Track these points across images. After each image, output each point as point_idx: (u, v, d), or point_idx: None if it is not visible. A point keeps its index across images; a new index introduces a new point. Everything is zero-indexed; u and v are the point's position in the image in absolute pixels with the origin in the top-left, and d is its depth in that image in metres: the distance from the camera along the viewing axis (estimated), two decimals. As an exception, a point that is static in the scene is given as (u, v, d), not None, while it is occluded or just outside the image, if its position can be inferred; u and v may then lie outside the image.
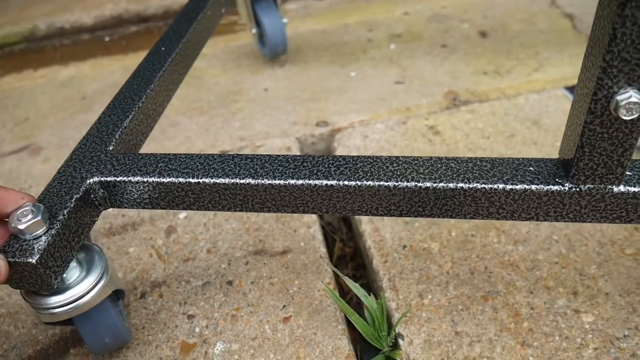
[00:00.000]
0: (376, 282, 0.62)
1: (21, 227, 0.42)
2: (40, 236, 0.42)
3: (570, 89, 0.86)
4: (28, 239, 0.42)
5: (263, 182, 0.45)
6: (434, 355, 0.53)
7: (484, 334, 0.54)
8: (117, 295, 0.53)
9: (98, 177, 0.48)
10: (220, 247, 0.66)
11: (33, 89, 1.08)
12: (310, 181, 0.44)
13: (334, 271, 0.62)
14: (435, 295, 0.58)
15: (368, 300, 0.55)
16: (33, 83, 1.11)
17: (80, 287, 0.47)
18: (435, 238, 0.65)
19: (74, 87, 1.07)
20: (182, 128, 0.89)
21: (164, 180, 0.47)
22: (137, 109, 0.56)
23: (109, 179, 0.48)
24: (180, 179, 0.46)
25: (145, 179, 0.47)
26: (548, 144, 0.76)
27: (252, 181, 0.45)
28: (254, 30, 0.99)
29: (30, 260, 0.41)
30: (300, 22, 1.15)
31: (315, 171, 0.45)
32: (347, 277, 0.55)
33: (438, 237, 0.65)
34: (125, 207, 0.50)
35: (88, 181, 0.47)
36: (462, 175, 0.43)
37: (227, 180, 0.46)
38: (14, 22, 1.25)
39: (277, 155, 0.47)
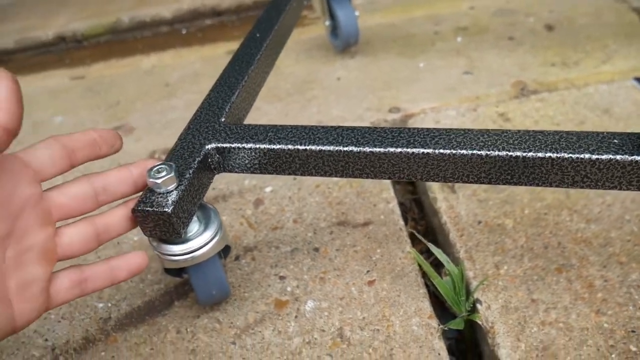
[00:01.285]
0: (452, 255, 0.67)
1: (158, 181, 0.48)
2: (172, 190, 0.49)
3: (641, 79, 0.88)
4: (162, 192, 0.49)
5: (364, 149, 0.50)
6: (512, 319, 0.57)
7: (559, 302, 0.58)
8: (222, 252, 0.59)
9: (214, 144, 0.54)
10: (306, 218, 0.72)
11: (120, 77, 1.17)
12: (408, 149, 0.49)
13: (415, 239, 0.67)
14: (510, 266, 0.62)
15: (450, 265, 0.59)
16: (119, 71, 1.20)
17: (200, 239, 0.53)
18: (508, 215, 0.68)
19: (157, 75, 1.15)
20: (263, 112, 0.95)
21: (274, 147, 0.52)
22: (241, 86, 0.62)
23: (224, 145, 0.54)
24: (289, 146, 0.52)
25: (257, 146, 0.53)
26: (619, 131, 0.78)
27: (355, 149, 0.50)
28: (327, 23, 1.05)
29: (166, 210, 0.47)
30: (368, 16, 1.20)
31: (412, 140, 0.50)
32: (430, 244, 0.60)
33: (511, 214, 0.68)
34: (235, 172, 0.56)
35: (206, 147, 0.54)
36: (550, 146, 0.47)
37: (331, 148, 0.51)
38: (99, 15, 1.35)
39: (375, 127, 0.52)
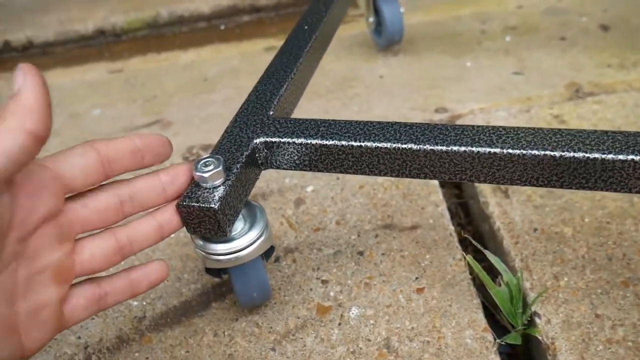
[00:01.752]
0: (507, 264, 0.62)
1: (205, 175, 0.45)
2: (219, 186, 0.46)
3: None
4: (209, 187, 0.46)
5: (425, 147, 0.47)
6: (574, 336, 0.53)
7: (627, 318, 0.53)
8: (266, 253, 0.56)
9: (263, 138, 0.51)
10: (349, 219, 0.69)
11: (158, 71, 1.16)
12: (473, 148, 0.46)
13: (465, 246, 0.63)
14: (571, 278, 0.58)
15: (508, 275, 0.55)
16: (157, 65, 1.18)
17: (245, 239, 0.50)
18: (567, 223, 0.64)
19: (195, 69, 1.14)
20: (303, 109, 0.92)
21: (326, 142, 0.49)
22: (290, 79, 0.59)
23: (273, 139, 0.51)
24: (343, 142, 0.49)
25: (308, 141, 0.50)
26: (685, 138, 0.73)
27: (414, 146, 0.47)
28: (370, 19, 1.01)
29: (212, 205, 0.45)
30: (411, 14, 1.16)
31: (477, 139, 0.46)
32: (487, 251, 0.56)
33: (570, 222, 0.64)
34: (284, 168, 0.53)
35: (254, 141, 0.51)
36: (632, 148, 0.43)
37: (388, 145, 0.48)
38: (137, 9, 1.34)
39: (435, 124, 0.49)
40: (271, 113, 0.55)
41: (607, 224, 0.63)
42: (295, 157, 0.51)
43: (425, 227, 0.66)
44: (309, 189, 0.74)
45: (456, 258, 0.62)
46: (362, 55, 1.06)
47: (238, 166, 0.48)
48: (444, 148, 0.46)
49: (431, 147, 0.47)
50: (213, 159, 0.46)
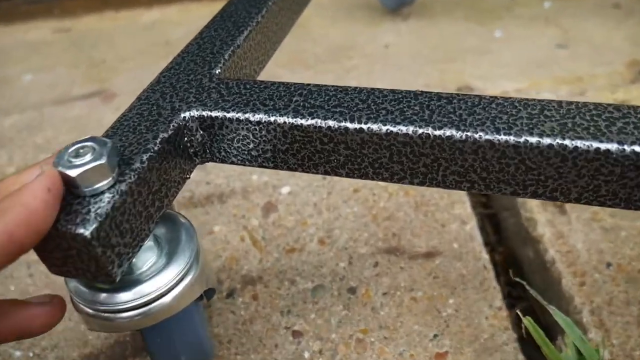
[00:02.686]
0: (569, 314, 0.42)
1: (72, 173, 0.25)
2: (103, 192, 0.25)
3: None
4: (83, 194, 0.25)
5: (477, 136, 0.26)
6: None
7: None
8: (205, 294, 0.36)
9: (198, 111, 0.30)
10: (338, 237, 0.48)
11: (112, 31, 0.94)
12: (566, 141, 0.25)
13: (523, 289, 0.43)
14: (672, 346, 0.38)
15: (586, 348, 0.35)
16: (113, 24, 0.96)
17: (157, 281, 0.29)
18: (654, 257, 0.44)
19: (156, 31, 0.92)
20: (284, 82, 0.71)
21: (305, 122, 0.29)
22: (254, 24, 0.38)
23: (214, 113, 0.30)
24: (332, 122, 0.28)
25: (273, 119, 0.29)
26: None
27: (459, 134, 0.26)
28: (376, -27, 0.80)
29: (81, 231, 0.24)
30: (424, -27, 0.95)
31: (571, 125, 0.26)
32: (555, 310, 0.35)
33: (659, 256, 0.44)
34: (232, 162, 0.32)
35: (182, 115, 0.30)
36: None
37: (412, 130, 0.27)
38: (95, -41, 1.11)
39: (492, 97, 0.28)
40: (217, 72, 0.34)
41: None
42: (251, 145, 0.31)
43: (447, 255, 0.46)
44: (285, 190, 0.54)
45: (494, 306, 0.42)
46: (363, 18, 0.84)
47: (145, 158, 0.27)
48: (510, 139, 0.26)
49: (490, 137, 0.26)
50: (94, 145, 0.26)
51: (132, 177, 0.26)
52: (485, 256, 0.45)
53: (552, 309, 0.35)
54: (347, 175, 0.31)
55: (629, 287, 0.42)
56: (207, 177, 0.57)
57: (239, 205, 0.53)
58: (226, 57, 0.35)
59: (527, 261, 0.49)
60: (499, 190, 0.28)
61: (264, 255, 0.48)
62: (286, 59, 0.76)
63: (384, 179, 0.30)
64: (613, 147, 0.25)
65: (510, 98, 0.28)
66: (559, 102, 0.28)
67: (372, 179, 0.30)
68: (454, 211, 0.49)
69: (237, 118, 0.30)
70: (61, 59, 0.89)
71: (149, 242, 0.30)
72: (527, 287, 0.35)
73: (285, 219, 0.51)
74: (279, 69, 0.74)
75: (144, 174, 0.27)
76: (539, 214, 0.49)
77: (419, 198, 0.51)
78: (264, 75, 0.74)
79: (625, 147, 0.25)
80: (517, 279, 0.37)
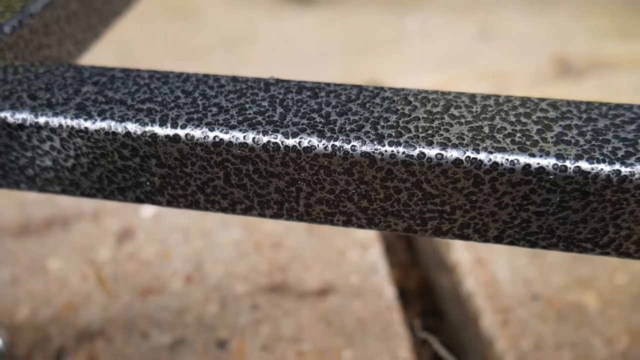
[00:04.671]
0: (490, 362, 0.34)
1: None
2: None
3: None
4: None
5: (349, 147, 0.17)
6: None
7: None
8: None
9: None
10: (209, 273, 0.38)
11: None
12: (481, 155, 0.16)
13: (422, 340, 0.34)
14: (614, 402, 0.30)
15: None
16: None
17: None
18: (588, 285, 0.37)
19: None
20: (163, 76, 0.60)
21: (92, 125, 0.18)
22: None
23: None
24: (132, 126, 0.18)
25: (44, 120, 0.19)
26: None
27: (321, 144, 0.17)
28: (276, -47, 0.70)
29: None
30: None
31: (488, 130, 0.17)
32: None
33: (593, 284, 0.37)
34: (1, 186, 0.21)
35: None
36: None
37: (253, 138, 0.17)
38: None
39: (377, 89, 0.19)
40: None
41: (655, 286, 0.36)
42: (22, 161, 0.20)
43: (343, 292, 0.36)
44: (147, 211, 0.42)
45: (399, 357, 0.33)
46: (264, 5, 0.74)
47: None
48: (397, 151, 0.16)
49: (366, 149, 0.17)
50: None
51: None
52: (390, 293, 0.36)
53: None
54: (170, 205, 0.20)
55: (559, 326, 0.34)
56: (50, 195, 0.44)
57: (88, 233, 0.41)
58: (6, 30, 0.24)
59: (442, 293, 0.41)
60: (388, 227, 0.19)
61: (112, 300, 0.36)
62: (172, 50, 0.65)
63: (223, 210, 0.20)
64: (549, 163, 0.16)
65: (403, 90, 0.19)
66: (472, 96, 0.19)
67: (206, 209, 0.20)
68: (354, 235, 0.40)
69: (7, 120, 0.19)
70: None
71: None
72: (437, 347, 0.26)
73: (145, 249, 0.39)
74: (161, 60, 0.63)
75: None
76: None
77: (314, 217, 0.41)
78: (145, 68, 0.62)
79: (567, 163, 0.16)
80: (424, 335, 0.28)
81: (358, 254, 0.38)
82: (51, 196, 0.44)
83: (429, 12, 0.72)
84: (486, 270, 0.38)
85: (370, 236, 0.40)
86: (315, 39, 0.67)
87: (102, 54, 0.57)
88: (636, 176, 0.16)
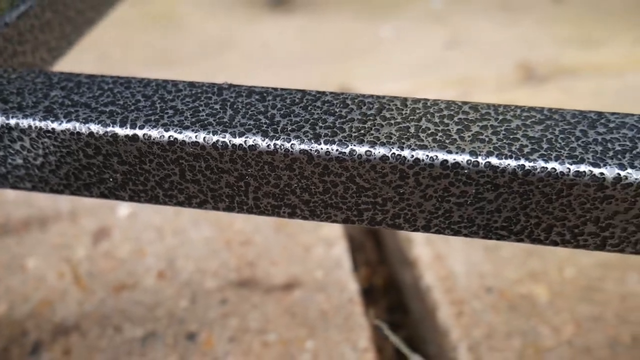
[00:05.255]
0: (442, 349, 0.36)
1: None
2: None
3: None
4: None
5: (290, 145, 0.19)
6: None
7: None
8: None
9: None
10: (181, 269, 0.39)
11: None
12: (405, 152, 0.18)
13: (379, 330, 0.36)
14: (557, 386, 0.33)
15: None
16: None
17: None
18: (539, 278, 0.39)
19: None
20: (142, 82, 0.61)
21: (58, 126, 0.20)
22: (33, -1, 0.29)
23: None
24: (95, 126, 0.20)
25: (15, 121, 0.20)
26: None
27: (265, 143, 0.19)
28: (254, -37, 0.72)
29: None
30: (313, -32, 0.88)
31: (414, 130, 0.19)
32: (417, 357, 0.28)
33: (543, 277, 0.39)
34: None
35: None
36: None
37: (204, 137, 0.19)
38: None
39: (320, 93, 0.21)
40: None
41: (599, 280, 0.39)
42: (3, 160, 0.22)
43: (308, 286, 0.38)
44: (123, 211, 0.44)
45: (359, 348, 0.35)
46: (244, 13, 0.76)
47: None
48: (331, 149, 0.19)
49: (303, 147, 0.19)
50: None
51: None
52: (353, 286, 0.38)
53: (408, 352, 0.28)
54: (132, 199, 0.22)
55: (510, 316, 0.36)
56: (28, 196, 0.46)
57: (64, 232, 0.43)
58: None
59: (407, 289, 0.43)
60: (329, 217, 0.21)
61: (87, 296, 0.38)
62: (154, 56, 0.66)
63: (180, 204, 0.22)
64: (464, 159, 0.18)
65: (342, 94, 0.21)
66: (404, 100, 0.21)
67: (165, 203, 0.22)
68: (320, 232, 0.42)
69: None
70: None
71: None
72: (387, 332, 0.28)
73: (120, 248, 0.41)
74: (143, 66, 0.65)
75: None
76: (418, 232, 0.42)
77: (283, 217, 0.43)
78: (128, 73, 0.64)
79: (480, 159, 0.18)
80: (377, 322, 0.30)
81: (323, 250, 0.40)
82: (29, 197, 0.46)
83: (402, 20, 0.74)
84: (444, 265, 0.40)
85: (335, 233, 0.42)
86: (292, 45, 0.69)
87: (83, 59, 0.59)
88: (538, 170, 0.18)
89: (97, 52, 0.66)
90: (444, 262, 0.40)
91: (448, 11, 0.76)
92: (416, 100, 0.21)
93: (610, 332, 0.36)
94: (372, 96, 0.21)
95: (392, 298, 0.44)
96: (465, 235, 0.20)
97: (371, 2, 0.79)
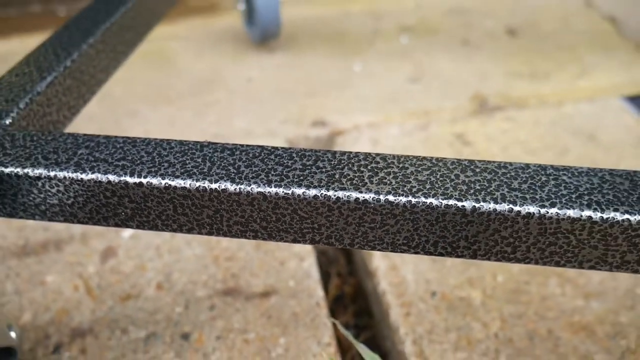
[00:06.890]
0: (393, 344, 0.44)
1: None
2: None
3: (633, 99, 0.70)
4: None
5: (250, 189, 0.27)
6: None
7: None
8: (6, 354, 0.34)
9: (-30, 169, 0.29)
10: (176, 281, 0.47)
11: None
12: (330, 192, 0.26)
13: (336, 328, 0.44)
14: (482, 369, 0.40)
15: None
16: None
17: None
18: (475, 284, 0.47)
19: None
20: (142, 119, 0.69)
21: (85, 177, 0.28)
22: (62, 69, 0.37)
23: (-9, 171, 0.29)
24: (112, 177, 0.28)
25: (53, 173, 0.28)
26: (611, 164, 0.59)
27: (232, 187, 0.27)
28: (241, 7, 0.81)
29: None
30: (293, 6, 0.97)
31: (338, 176, 0.27)
32: (361, 346, 0.36)
33: (479, 282, 0.47)
34: (21, 217, 0.31)
35: (-50, 175, 0.28)
36: (587, 197, 0.25)
37: (189, 184, 0.27)
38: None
39: (274, 148, 0.29)
40: (8, 122, 0.32)
41: (525, 284, 0.47)
42: (37, 200, 0.30)
43: (282, 294, 0.46)
44: (126, 233, 0.52)
45: (323, 342, 0.42)
46: (230, 53, 0.85)
47: None
48: (282, 191, 0.27)
49: (262, 189, 0.27)
50: None
51: None
52: (320, 293, 0.46)
53: (361, 347, 0.36)
54: (138, 227, 0.30)
55: (449, 315, 0.44)
56: (44, 222, 0.54)
57: (77, 252, 0.50)
58: (21, 105, 0.34)
59: (370, 294, 0.51)
60: (281, 238, 0.29)
61: (98, 305, 0.46)
62: (149, 94, 0.75)
63: (174, 230, 0.30)
64: (370, 197, 0.26)
65: (290, 149, 0.29)
66: (334, 153, 0.29)
67: (162, 230, 0.30)
68: (293, 249, 0.50)
69: (16, 173, 0.29)
70: None
71: None
72: (339, 327, 0.36)
73: (125, 265, 0.49)
74: (140, 104, 0.73)
75: None
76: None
77: (262, 236, 0.51)
78: (125, 111, 0.73)
79: (381, 197, 0.26)
80: (332, 320, 0.38)
81: (295, 263, 0.48)
82: (46, 222, 0.54)
83: (371, 56, 0.83)
84: (397, 274, 0.48)
85: (306, 249, 0.50)
86: (273, 82, 0.77)
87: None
88: (421, 204, 0.26)
89: (100, 91, 0.74)
90: (397, 271, 0.48)
91: (413, 47, 0.85)
92: (342, 153, 0.29)
93: (530, 326, 0.44)
94: (311, 150, 0.29)
95: (360, 304, 0.52)
96: (379, 250, 0.28)
97: (344, 40, 0.88)
